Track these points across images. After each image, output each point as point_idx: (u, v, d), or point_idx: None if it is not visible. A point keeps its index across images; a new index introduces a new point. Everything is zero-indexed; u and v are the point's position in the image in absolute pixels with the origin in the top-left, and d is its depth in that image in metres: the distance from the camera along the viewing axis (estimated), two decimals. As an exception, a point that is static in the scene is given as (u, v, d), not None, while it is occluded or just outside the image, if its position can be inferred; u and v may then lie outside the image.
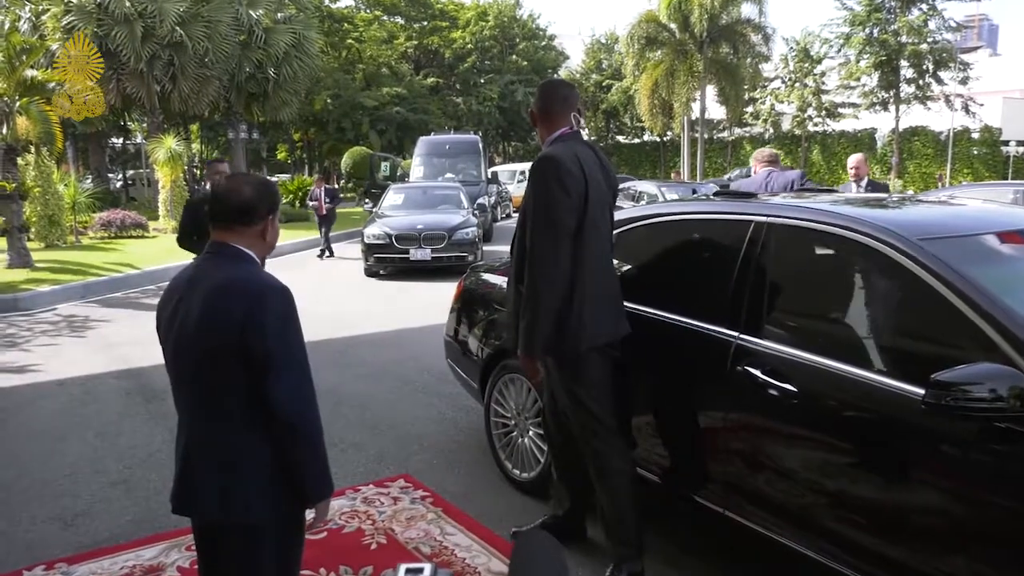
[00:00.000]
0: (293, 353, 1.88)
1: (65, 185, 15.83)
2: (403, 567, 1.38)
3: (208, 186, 6.51)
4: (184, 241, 5.94)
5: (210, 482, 1.90)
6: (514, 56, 44.54)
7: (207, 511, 1.94)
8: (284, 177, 38.45)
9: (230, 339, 1.82)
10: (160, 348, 2.03)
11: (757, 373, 2.66)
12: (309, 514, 2.05)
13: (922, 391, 2.12)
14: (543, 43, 46.63)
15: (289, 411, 1.85)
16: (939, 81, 33.70)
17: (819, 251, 2.86)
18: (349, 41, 40.74)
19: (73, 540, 3.50)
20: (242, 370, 1.84)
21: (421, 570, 1.41)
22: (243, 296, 1.85)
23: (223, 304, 1.85)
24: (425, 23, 44.76)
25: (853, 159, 6.86)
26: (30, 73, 13.01)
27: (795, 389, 2.55)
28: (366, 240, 12.45)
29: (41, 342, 7.74)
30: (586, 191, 2.85)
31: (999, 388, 2.02)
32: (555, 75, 46.75)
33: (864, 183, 6.68)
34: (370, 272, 12.51)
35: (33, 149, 14.05)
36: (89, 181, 20.03)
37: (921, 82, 33.77)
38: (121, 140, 36.15)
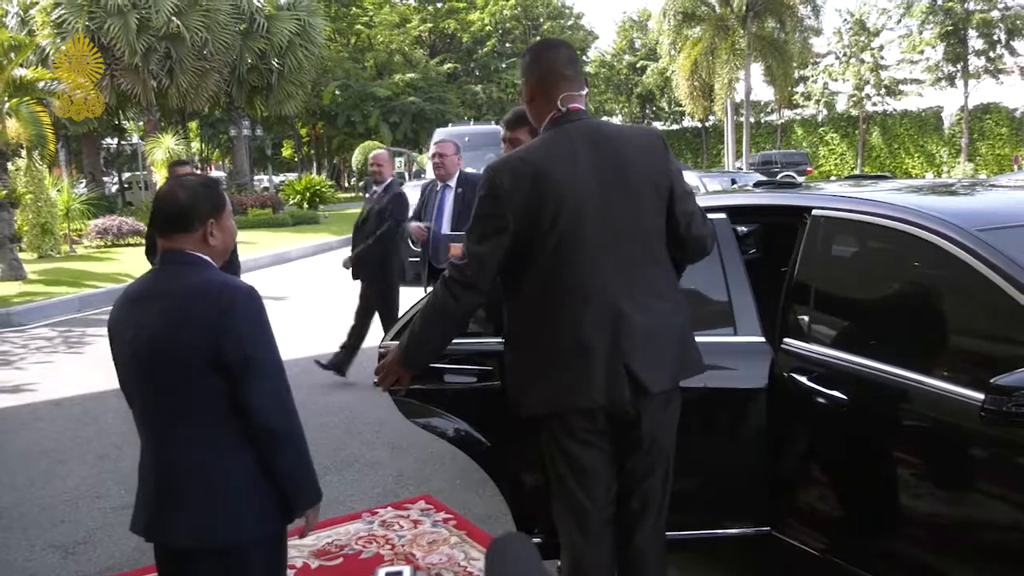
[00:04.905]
0: (269, 356, 1.96)
1: (58, 191, 16.10)
2: (382, 571, 1.45)
3: None
4: (152, 254, 5.51)
5: (191, 503, 1.95)
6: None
7: (191, 534, 1.96)
8: (291, 176, 38.93)
9: (203, 349, 1.89)
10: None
11: (804, 380, 2.68)
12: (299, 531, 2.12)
13: (981, 396, 2.13)
14: (570, 22, 46.68)
15: (271, 416, 1.93)
16: (1012, 52, 33.23)
17: (868, 245, 2.88)
18: (358, 27, 41.15)
19: (74, 570, 3.61)
20: (216, 380, 1.91)
21: (400, 573, 1.48)
22: (212, 303, 1.92)
23: (191, 313, 1.92)
24: (440, 4, 45.08)
25: (373, 156, 6.55)
26: (19, 72, 13.27)
27: (844, 397, 2.57)
28: (380, 243, 12.54)
29: (36, 359, 7.94)
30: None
31: None
32: (584, 57, 46.76)
33: (384, 186, 6.31)
34: (385, 278, 12.59)
35: (24, 153, 14.35)
36: (83, 186, 20.39)
37: (992, 53, 33.31)
38: (116, 140, 36.86)
